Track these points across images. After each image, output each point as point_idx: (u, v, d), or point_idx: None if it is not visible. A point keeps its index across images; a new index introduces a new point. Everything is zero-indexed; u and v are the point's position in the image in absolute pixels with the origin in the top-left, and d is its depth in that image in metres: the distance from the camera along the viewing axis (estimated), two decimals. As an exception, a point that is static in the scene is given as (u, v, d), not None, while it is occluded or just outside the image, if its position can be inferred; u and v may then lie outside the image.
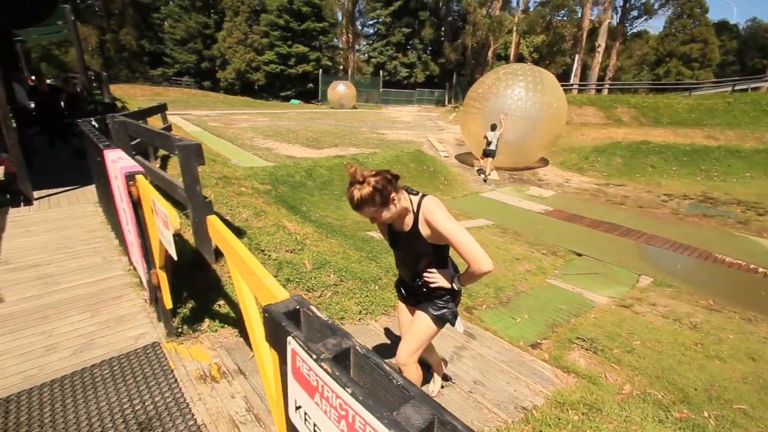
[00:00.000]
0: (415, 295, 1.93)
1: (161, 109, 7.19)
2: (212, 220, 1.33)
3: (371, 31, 42.46)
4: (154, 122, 7.43)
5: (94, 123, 3.84)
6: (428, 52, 38.89)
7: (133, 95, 19.85)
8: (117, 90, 18.76)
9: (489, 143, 9.84)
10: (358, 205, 1.53)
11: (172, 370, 2.20)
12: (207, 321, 2.72)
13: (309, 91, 35.28)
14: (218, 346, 2.49)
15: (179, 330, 2.56)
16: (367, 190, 1.50)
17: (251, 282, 1.07)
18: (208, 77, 37.05)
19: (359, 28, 43.28)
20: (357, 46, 43.04)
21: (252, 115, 19.29)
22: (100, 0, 35.30)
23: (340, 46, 41.87)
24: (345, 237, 5.17)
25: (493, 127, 9.77)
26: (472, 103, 11.17)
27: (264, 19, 34.31)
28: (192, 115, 16.77)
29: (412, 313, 1.98)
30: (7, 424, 1.84)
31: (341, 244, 4.48)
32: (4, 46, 7.64)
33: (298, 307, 0.86)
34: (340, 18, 41.39)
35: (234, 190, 5.46)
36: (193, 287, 3.03)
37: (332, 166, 8.89)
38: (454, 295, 1.85)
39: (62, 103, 7.89)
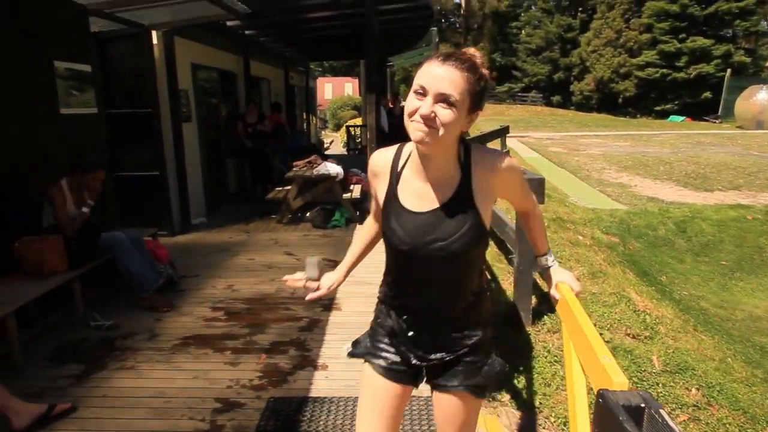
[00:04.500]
0: (436, 352, 1.44)
1: (503, 132, 8.47)
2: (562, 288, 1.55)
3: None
4: (492, 147, 8.83)
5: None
6: None
7: (473, 114, 24.05)
8: (459, 109, 23.30)
9: None
10: (458, 58, 1.21)
11: (466, 436, 2.59)
12: (509, 394, 3.02)
13: (702, 103, 31.88)
14: (516, 428, 2.72)
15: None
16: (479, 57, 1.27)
17: (585, 357, 1.20)
18: (560, 90, 39.99)
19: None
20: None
21: (607, 138, 19.36)
22: (461, 17, 45.15)
23: (773, 31, 35.64)
24: (728, 337, 4.41)
25: None
26: None
27: (649, 8, 33.90)
28: (531, 138, 18.59)
29: (400, 400, 1.51)
30: (327, 420, 2.71)
31: (719, 347, 3.87)
32: (379, 74, 11.11)
33: (642, 405, 0.91)
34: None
35: (568, 238, 5.72)
36: (499, 347, 3.42)
37: (724, 220, 7.71)
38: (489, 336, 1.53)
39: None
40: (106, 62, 5.62)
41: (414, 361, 1.46)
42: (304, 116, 14.20)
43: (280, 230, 6.60)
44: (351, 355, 1.61)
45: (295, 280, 1.63)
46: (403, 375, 1.49)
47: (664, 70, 33.31)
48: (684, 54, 32.52)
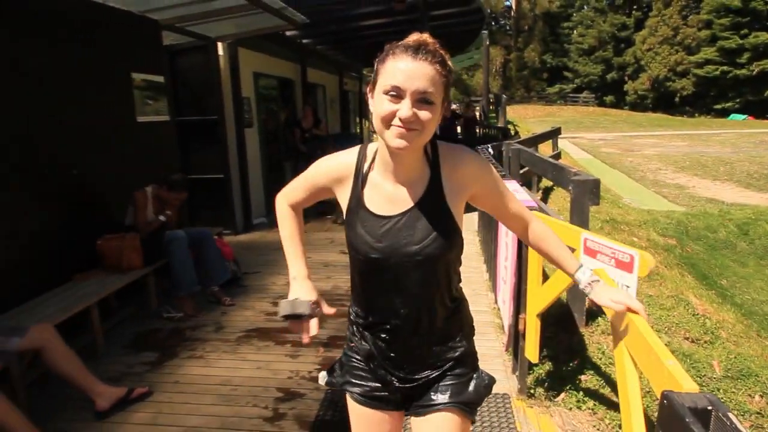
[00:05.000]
0: (421, 371, 1.31)
1: (555, 134, 8.27)
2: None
3: None
4: (543, 148, 8.63)
5: (490, 150, 5.00)
6: None
7: (524, 117, 23.62)
8: (510, 112, 22.87)
9: None
10: (428, 50, 1.08)
11: (518, 433, 2.56)
12: (563, 394, 2.95)
13: (765, 101, 29.88)
14: (569, 429, 2.66)
15: (531, 390, 2.92)
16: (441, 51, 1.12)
17: (644, 361, 1.16)
18: (613, 91, 38.59)
19: None
20: None
21: (663, 137, 18.52)
22: (511, 19, 44.35)
23: None
24: (798, 345, 4.11)
25: None
26: None
27: (708, 4, 32.23)
28: (583, 139, 18.01)
29: (389, 427, 1.37)
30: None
31: (788, 354, 3.62)
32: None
33: (710, 407, 0.89)
34: None
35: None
36: (552, 347, 3.36)
37: (793, 223, 7.21)
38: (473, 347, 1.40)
39: (458, 128, 10.62)
40: (176, 73, 5.91)
41: (397, 385, 1.31)
42: (357, 120, 14.37)
43: (335, 230, 6.72)
44: (328, 384, 1.47)
45: (311, 331, 1.33)
46: (387, 401, 1.35)
47: (725, 67, 31.46)
48: (746, 50, 30.59)
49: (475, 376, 1.36)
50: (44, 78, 3.53)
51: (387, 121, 1.08)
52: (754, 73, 30.47)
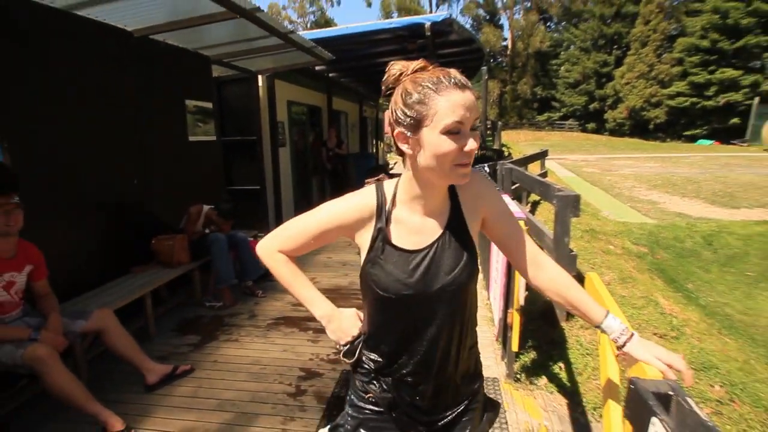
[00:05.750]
0: (446, 411, 1.13)
1: (543, 155, 8.19)
2: (592, 278, 1.49)
3: None
4: (532, 168, 8.54)
5: (486, 168, 4.97)
6: None
7: (516, 141, 23.47)
8: (504, 136, 22.78)
9: None
10: (466, 80, 0.96)
11: (504, 412, 2.52)
12: (544, 379, 2.90)
13: (730, 129, 29.43)
14: (550, 410, 2.60)
15: (517, 376, 2.87)
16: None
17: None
18: (594, 119, 38.27)
19: None
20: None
21: (638, 159, 18.23)
22: (507, 57, 44.28)
23: (802, 63, 32.18)
24: (752, 341, 4.00)
25: None
26: None
27: (680, 44, 31.88)
28: (567, 160, 17.81)
29: None
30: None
31: (742, 349, 3.52)
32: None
33: (671, 393, 0.86)
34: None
35: (600, 247, 5.42)
36: (537, 339, 3.30)
37: (751, 235, 7.03)
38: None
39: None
40: (223, 100, 5.99)
41: (420, 428, 1.13)
42: (374, 142, 14.41)
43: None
44: None
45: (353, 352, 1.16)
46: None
47: (694, 99, 30.98)
48: (713, 84, 30.10)
49: (488, 406, 1.25)
50: (116, 103, 3.61)
51: (453, 159, 0.93)
52: (720, 104, 29.93)
